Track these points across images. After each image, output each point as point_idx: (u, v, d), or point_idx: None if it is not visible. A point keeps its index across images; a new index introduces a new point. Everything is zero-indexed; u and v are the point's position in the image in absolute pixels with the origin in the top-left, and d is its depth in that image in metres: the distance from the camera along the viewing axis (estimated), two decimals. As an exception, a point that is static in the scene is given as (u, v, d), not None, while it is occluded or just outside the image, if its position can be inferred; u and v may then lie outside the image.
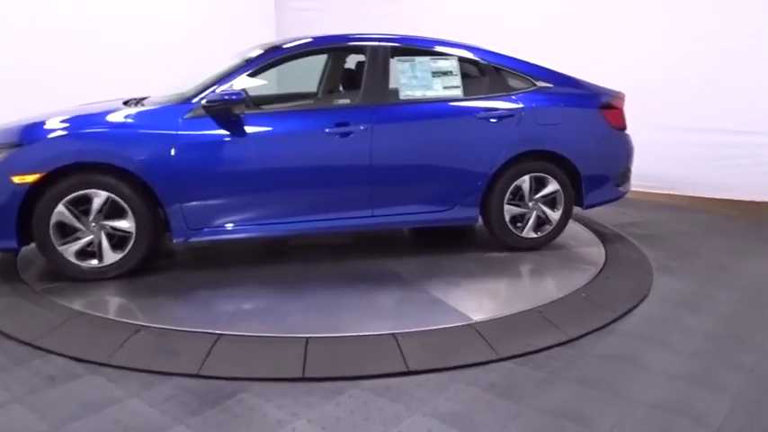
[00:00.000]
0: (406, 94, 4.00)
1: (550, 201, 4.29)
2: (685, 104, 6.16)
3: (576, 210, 4.43)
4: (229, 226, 3.74)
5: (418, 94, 4.02)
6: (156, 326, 3.01)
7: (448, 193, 4.07)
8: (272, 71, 3.99)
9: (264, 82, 4.00)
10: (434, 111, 4.02)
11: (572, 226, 4.72)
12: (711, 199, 6.13)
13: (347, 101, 4.18)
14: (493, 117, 4.06)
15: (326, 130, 3.77)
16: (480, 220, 4.25)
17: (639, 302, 3.52)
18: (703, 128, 6.08)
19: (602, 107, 4.31)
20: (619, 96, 4.46)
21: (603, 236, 4.80)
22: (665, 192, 6.37)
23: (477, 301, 3.40)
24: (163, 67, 6.31)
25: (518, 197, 4.23)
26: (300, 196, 3.84)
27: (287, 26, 8.43)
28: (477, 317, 3.16)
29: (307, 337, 2.90)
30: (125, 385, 2.54)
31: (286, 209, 3.83)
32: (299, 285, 3.61)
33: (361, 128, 3.83)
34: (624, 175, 4.50)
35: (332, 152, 3.82)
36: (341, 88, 4.81)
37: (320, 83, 5.14)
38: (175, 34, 7.07)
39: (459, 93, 4.09)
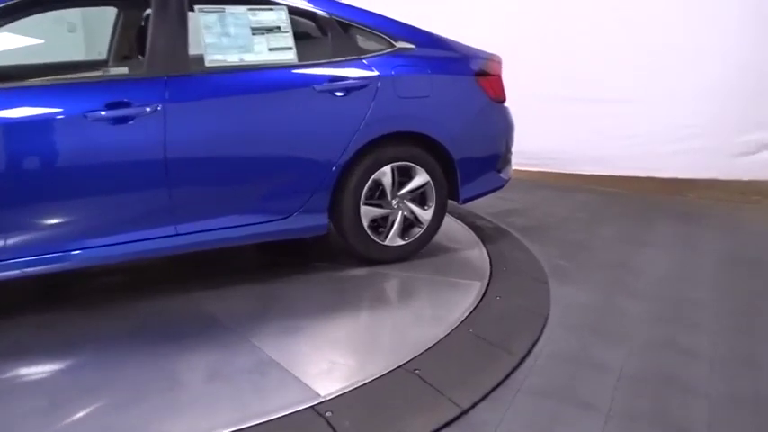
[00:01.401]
0: (213, 59, 2.81)
1: (420, 197, 3.34)
2: (557, 71, 5.48)
3: (450, 204, 3.50)
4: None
5: (232, 59, 2.84)
6: None
7: (282, 196, 2.96)
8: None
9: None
10: (256, 82, 2.87)
11: (446, 221, 3.82)
12: (588, 176, 5.54)
13: (125, 71, 2.89)
14: (339, 89, 2.99)
15: (87, 116, 2.50)
16: (331, 227, 3.19)
17: (540, 332, 2.65)
18: (575, 97, 5.45)
19: (478, 74, 3.38)
20: (495, 60, 3.56)
21: (483, 232, 3.94)
22: (539, 169, 5.70)
23: (326, 359, 2.35)
24: None
25: (378, 195, 3.22)
26: (60, 215, 2.56)
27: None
28: (326, 389, 2.12)
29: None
30: None
31: (40, 235, 2.54)
32: (58, 353, 2.36)
33: (147, 109, 2.60)
34: (506, 158, 3.64)
35: (102, 146, 2.56)
36: (138, 55, 3.49)
37: (110, 47, 3.79)
38: None
39: (291, 57, 2.96)
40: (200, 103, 2.73)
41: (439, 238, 3.51)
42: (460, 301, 2.84)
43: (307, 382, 2.15)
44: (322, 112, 2.96)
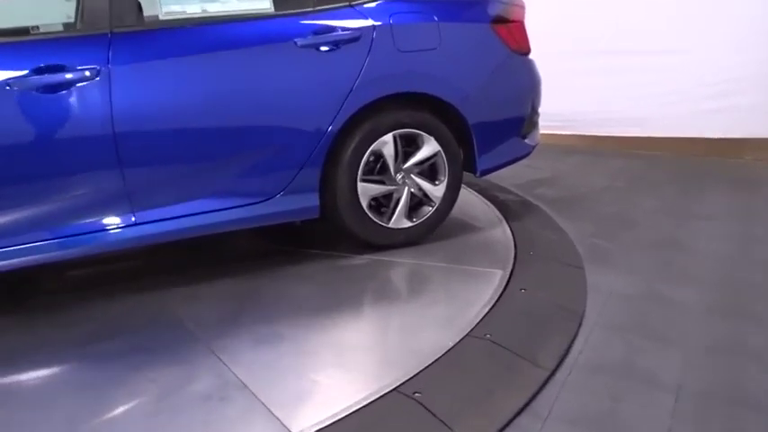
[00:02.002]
0: (169, 10, 2.31)
1: (429, 170, 2.83)
2: (584, 20, 4.85)
3: (467, 175, 2.99)
4: None
5: (192, 9, 2.35)
6: None
7: (260, 175, 2.49)
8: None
9: None
10: (223, 37, 2.37)
11: (463, 194, 3.32)
12: (624, 138, 4.94)
13: (59, 28, 2.41)
14: (326, 43, 2.47)
15: (11, 85, 2.04)
16: (324, 209, 2.71)
17: (574, 336, 2.16)
18: (605, 49, 4.82)
19: (495, 20, 2.82)
20: (516, 4, 3.00)
21: (506, 208, 3.43)
22: (568, 132, 5.12)
23: (307, 378, 1.89)
24: None
25: (379, 169, 2.72)
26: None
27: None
28: (301, 424, 1.67)
29: None
30: None
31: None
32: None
33: (86, 73, 2.13)
34: (531, 121, 3.09)
35: (34, 120, 2.11)
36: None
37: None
38: None
39: (266, 5, 2.46)
40: (153, 64, 2.24)
41: (454, 216, 3.01)
42: (477, 297, 2.35)
43: (277, 414, 1.70)
44: (305, 71, 2.45)
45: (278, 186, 2.52)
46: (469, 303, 2.30)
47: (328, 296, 2.42)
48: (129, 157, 2.23)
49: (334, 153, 2.60)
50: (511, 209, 3.41)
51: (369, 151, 2.64)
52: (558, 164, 4.47)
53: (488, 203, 3.46)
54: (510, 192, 3.76)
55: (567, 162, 4.58)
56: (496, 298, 2.34)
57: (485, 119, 2.83)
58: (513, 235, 2.98)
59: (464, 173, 2.93)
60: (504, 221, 3.17)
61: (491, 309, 2.27)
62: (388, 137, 2.66)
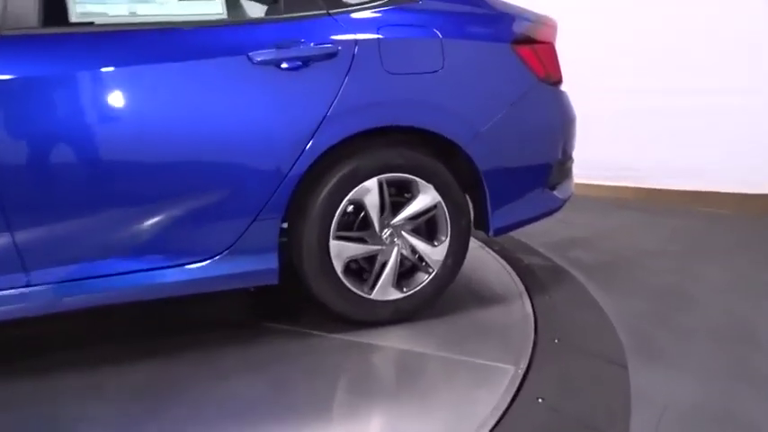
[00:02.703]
0: (84, 11, 1.79)
1: (426, 226, 2.22)
2: (633, 50, 4.23)
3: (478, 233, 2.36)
4: None
5: (117, 11, 1.83)
6: None
7: (197, 226, 1.90)
8: None
9: None
10: (155, 48, 1.83)
11: (475, 254, 2.70)
12: (681, 192, 4.23)
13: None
14: (290, 59, 1.90)
15: None
16: (287, 273, 2.11)
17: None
18: (658, 87, 4.16)
19: (518, 41, 2.22)
20: (545, 23, 2.40)
21: (531, 274, 2.76)
22: (613, 183, 4.43)
23: None
24: None
25: (360, 223, 2.12)
26: None
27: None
28: None
29: None
30: None
31: None
32: None
33: (-44, 88, 1.61)
34: (562, 168, 2.45)
35: None
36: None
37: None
38: None
39: (216, 9, 1.92)
40: (54, 79, 1.71)
41: (459, 284, 2.37)
42: (475, 408, 1.69)
43: None
44: (262, 93, 1.89)
45: (221, 243, 1.93)
46: (464, 417, 1.64)
47: (281, 396, 1.79)
48: (14, 200, 1.69)
49: (301, 201, 2.01)
50: (536, 277, 2.74)
51: (346, 201, 2.04)
52: (600, 220, 3.78)
53: (507, 268, 2.80)
54: (537, 253, 3.09)
55: (611, 219, 3.89)
56: (501, 413, 1.67)
57: (501, 164, 2.21)
58: (534, 314, 2.31)
59: (474, 230, 2.30)
60: (526, 294, 2.50)
61: (492, 430, 1.60)
62: (372, 183, 2.06)
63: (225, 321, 2.32)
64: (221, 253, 1.94)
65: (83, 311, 1.87)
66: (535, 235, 3.11)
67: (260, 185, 1.91)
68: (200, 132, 1.83)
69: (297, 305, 2.41)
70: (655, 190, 4.29)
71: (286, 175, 1.93)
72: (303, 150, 1.93)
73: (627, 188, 4.35)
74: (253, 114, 1.88)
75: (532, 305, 2.40)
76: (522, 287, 2.57)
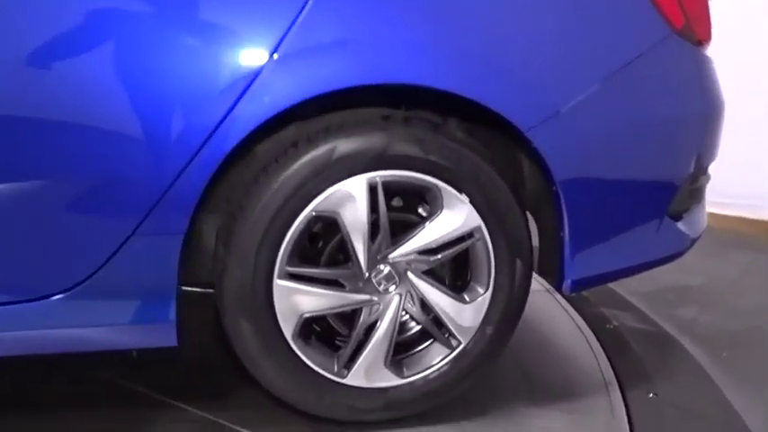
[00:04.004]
0: None
1: (450, 267, 1.29)
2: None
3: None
4: None
5: None
6: None
7: (22, 243, 1.05)
8: None
9: None
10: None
11: (530, 295, 1.75)
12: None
13: None
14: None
15: None
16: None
17: None
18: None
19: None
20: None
21: (621, 343, 1.79)
22: (740, 214, 3.30)
23: None
24: None
25: (330, 253, 1.23)
26: None
27: None
28: None
29: None
30: None
31: None
32: None
33: None
34: (694, 188, 1.46)
35: None
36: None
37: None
38: None
39: None
40: None
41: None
42: None
43: None
44: (140, 22, 1.02)
45: (65, 273, 1.08)
46: None
47: None
48: None
49: (221, 207, 1.14)
50: (629, 347, 1.75)
51: (307, 212, 1.14)
52: (721, 263, 2.70)
53: (584, 331, 1.82)
54: (631, 308, 2.09)
55: (736, 260, 2.80)
56: None
57: (592, 171, 1.26)
58: (630, 420, 1.35)
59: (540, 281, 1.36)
60: (615, 383, 1.52)
61: None
62: (357, 185, 1.15)
63: (141, 394, 1.46)
64: (67, 291, 1.08)
65: None
66: (627, 279, 2.10)
67: (135, 174, 1.05)
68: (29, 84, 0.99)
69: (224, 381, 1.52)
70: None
71: (190, 160, 1.06)
72: (226, 116, 1.05)
73: (761, 222, 3.22)
74: (124, 56, 1.02)
75: (626, 404, 1.43)
76: (604, 362, 1.59)
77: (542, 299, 2.03)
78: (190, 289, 1.24)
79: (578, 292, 1.44)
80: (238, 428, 1.27)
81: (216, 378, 1.46)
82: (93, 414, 1.32)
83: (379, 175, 1.16)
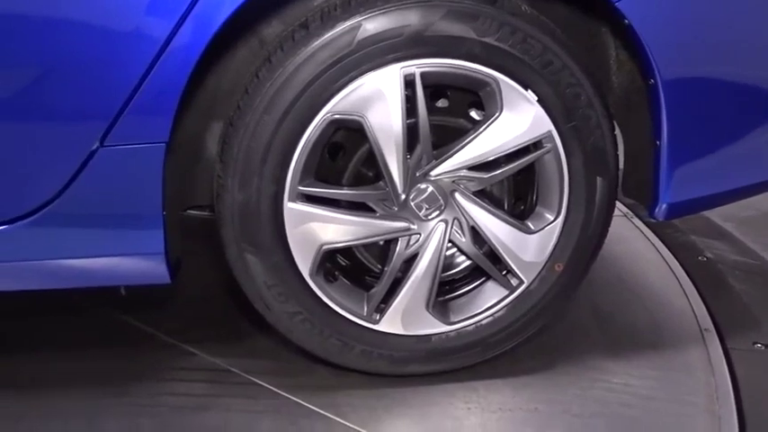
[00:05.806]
0: None
1: (510, 186, 1.02)
2: None
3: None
4: None
5: None
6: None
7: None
8: None
9: None
10: None
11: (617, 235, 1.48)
12: None
13: None
14: None
15: None
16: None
17: None
18: None
19: None
20: None
21: (710, 273, 1.49)
22: None
23: None
24: None
25: (355, 170, 0.98)
26: None
27: None
28: None
29: None
30: None
31: None
32: None
33: None
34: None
35: None
36: None
37: None
38: None
39: None
40: None
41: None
42: None
43: None
44: None
45: (25, 194, 0.87)
46: None
47: None
48: None
49: (214, 110, 0.91)
50: (728, 286, 1.46)
51: (324, 115, 0.88)
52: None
53: (671, 265, 1.53)
54: (727, 236, 1.77)
55: None
56: None
57: (701, 61, 0.96)
58: (731, 373, 1.09)
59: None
60: (712, 328, 1.25)
61: None
62: (388, 78, 0.88)
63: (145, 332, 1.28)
64: (27, 216, 0.87)
65: None
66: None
67: (97, 57, 0.81)
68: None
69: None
70: None
71: (168, 40, 0.80)
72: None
73: None
74: None
75: (727, 357, 1.16)
76: (704, 315, 1.31)
77: (619, 225, 1.72)
78: (186, 213, 1.02)
79: (674, 218, 1.15)
80: (252, 378, 1.07)
81: (230, 320, 1.26)
82: (97, 353, 1.16)
83: (416, 64, 0.88)
